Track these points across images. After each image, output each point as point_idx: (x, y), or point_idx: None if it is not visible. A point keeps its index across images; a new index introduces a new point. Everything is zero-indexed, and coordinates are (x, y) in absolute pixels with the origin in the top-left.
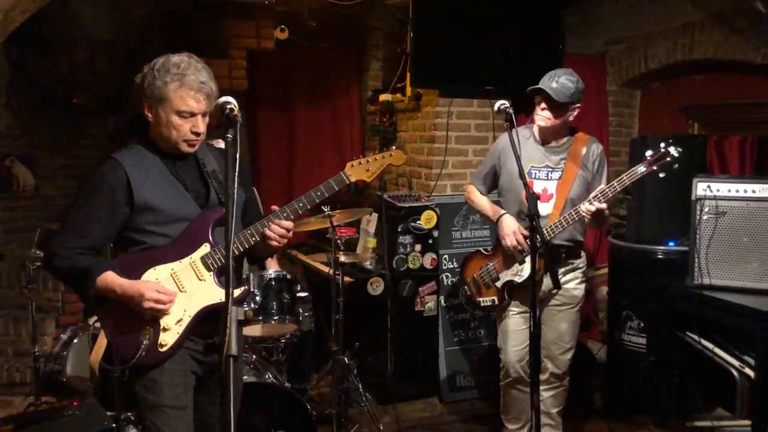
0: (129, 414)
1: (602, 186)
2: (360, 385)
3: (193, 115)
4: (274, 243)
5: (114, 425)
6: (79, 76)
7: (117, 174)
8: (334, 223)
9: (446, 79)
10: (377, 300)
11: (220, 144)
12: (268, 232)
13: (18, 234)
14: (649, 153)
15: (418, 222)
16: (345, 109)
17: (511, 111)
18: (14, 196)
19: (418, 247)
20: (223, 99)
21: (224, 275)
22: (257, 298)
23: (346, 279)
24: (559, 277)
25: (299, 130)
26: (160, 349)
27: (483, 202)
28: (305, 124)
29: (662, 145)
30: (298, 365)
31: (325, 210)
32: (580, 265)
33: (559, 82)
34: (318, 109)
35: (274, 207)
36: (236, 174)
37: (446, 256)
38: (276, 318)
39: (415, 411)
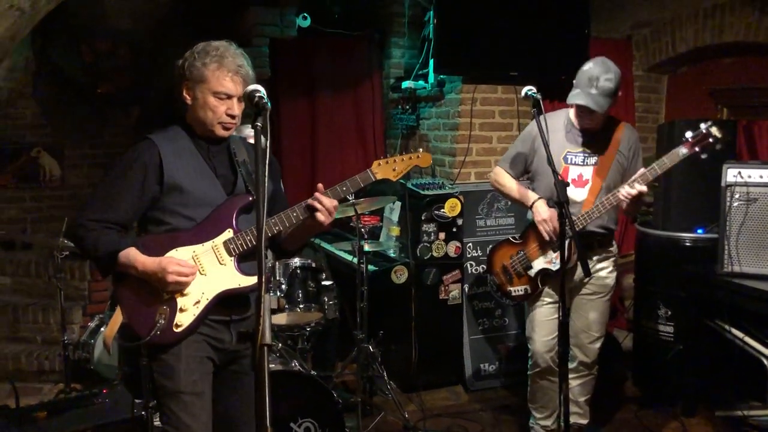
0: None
1: (642, 169)
2: (385, 373)
3: (229, 97)
4: (321, 216)
5: (143, 413)
6: (103, 66)
7: (151, 152)
8: (358, 212)
9: (470, 65)
10: (401, 288)
11: (247, 131)
12: (317, 204)
13: (45, 224)
14: (689, 134)
15: (442, 210)
16: (367, 97)
17: (538, 96)
18: (41, 186)
19: (442, 235)
20: (252, 87)
21: (245, 261)
22: (283, 286)
23: (370, 267)
24: (590, 265)
25: (321, 118)
26: (175, 330)
27: (513, 186)
28: (327, 113)
29: (702, 126)
30: (322, 353)
31: (350, 198)
32: (612, 254)
33: (599, 87)
34: (340, 97)
35: (320, 185)
36: (267, 162)
37: (470, 244)
38: (301, 306)
39: (439, 399)
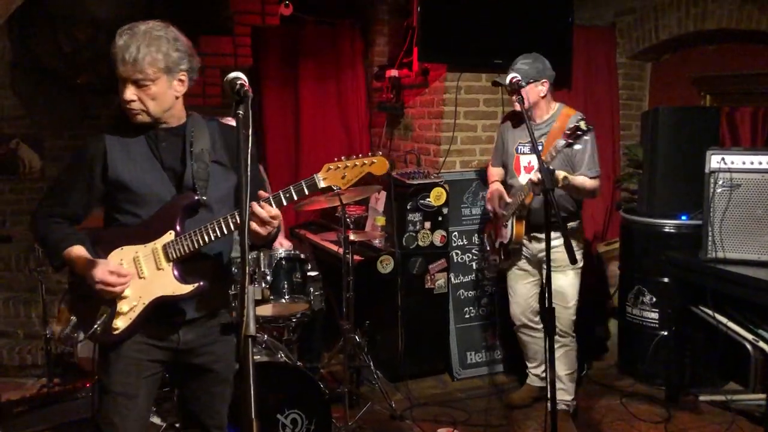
0: None
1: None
2: (371, 363)
3: (122, 80)
4: (255, 227)
5: None
6: (82, 55)
7: (97, 145)
8: (343, 202)
9: (454, 53)
10: (387, 278)
11: (231, 122)
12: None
13: (25, 216)
14: (567, 130)
15: (428, 199)
16: (351, 86)
17: (523, 84)
18: (21, 179)
19: (427, 224)
20: (233, 74)
21: (186, 266)
22: (268, 277)
23: (356, 257)
24: (539, 242)
25: (305, 107)
26: (113, 332)
27: (490, 176)
28: (311, 101)
29: (575, 121)
30: (308, 344)
31: (334, 188)
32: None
33: (515, 68)
34: (323, 85)
35: (261, 192)
36: (249, 153)
37: (456, 233)
38: (287, 297)
39: (426, 388)
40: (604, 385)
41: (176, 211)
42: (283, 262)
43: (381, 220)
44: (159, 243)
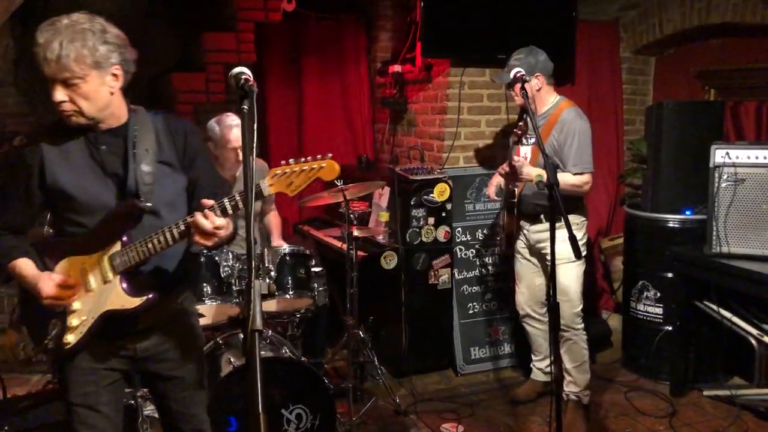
0: (146, 390)
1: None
2: (375, 359)
3: (50, 80)
4: (197, 239)
5: (132, 401)
6: None
7: (33, 153)
8: (347, 198)
9: (457, 48)
10: (391, 274)
11: (230, 118)
12: (192, 224)
13: None
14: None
15: (431, 195)
16: (354, 81)
17: (527, 78)
18: None
19: (431, 220)
20: (238, 69)
21: (134, 278)
22: (272, 273)
23: (360, 253)
24: (536, 234)
25: (308, 102)
26: (65, 347)
27: None
28: (314, 97)
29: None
30: (312, 340)
31: (338, 184)
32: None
33: (508, 65)
34: (327, 81)
35: (204, 201)
36: (254, 146)
37: (459, 228)
38: (291, 293)
39: (430, 383)
40: (608, 380)
41: (120, 219)
42: (287, 258)
43: (384, 216)
44: (105, 254)
